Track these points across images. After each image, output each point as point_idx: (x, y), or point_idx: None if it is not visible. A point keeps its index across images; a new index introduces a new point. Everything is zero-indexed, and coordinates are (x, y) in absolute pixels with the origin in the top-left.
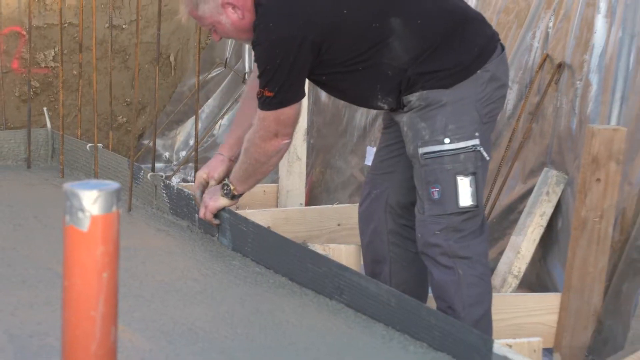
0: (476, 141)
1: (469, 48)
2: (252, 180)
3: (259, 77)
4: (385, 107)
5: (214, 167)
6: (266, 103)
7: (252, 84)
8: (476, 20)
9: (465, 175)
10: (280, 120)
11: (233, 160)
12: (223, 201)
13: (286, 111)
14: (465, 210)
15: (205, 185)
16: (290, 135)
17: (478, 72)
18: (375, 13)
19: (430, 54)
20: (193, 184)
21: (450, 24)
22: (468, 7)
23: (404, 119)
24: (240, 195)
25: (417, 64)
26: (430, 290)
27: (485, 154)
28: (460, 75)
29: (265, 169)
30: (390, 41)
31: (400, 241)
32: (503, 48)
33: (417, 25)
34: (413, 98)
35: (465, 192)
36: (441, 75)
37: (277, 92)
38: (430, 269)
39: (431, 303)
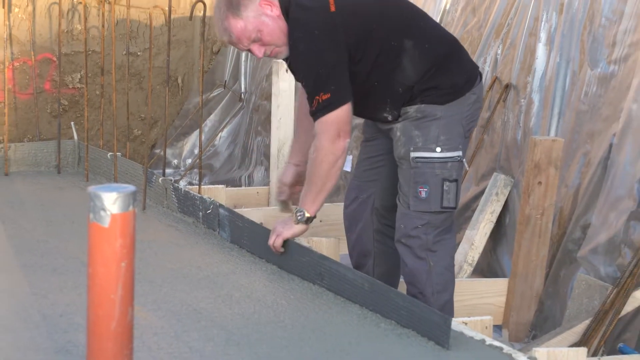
0: (460, 152)
1: (461, 72)
2: (322, 196)
3: (311, 85)
4: (390, 118)
5: (283, 174)
6: (324, 107)
7: (303, 99)
8: (463, 48)
9: (450, 181)
10: (341, 119)
11: (298, 165)
12: (298, 228)
13: (344, 109)
14: (445, 210)
15: (284, 192)
16: (350, 133)
17: (467, 93)
18: (394, 33)
19: (432, 74)
20: (198, 186)
21: (448, 49)
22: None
23: (397, 125)
24: (314, 217)
25: (421, 82)
26: (402, 276)
27: (465, 165)
28: (454, 95)
29: (333, 175)
30: (403, 60)
31: (383, 239)
32: (482, 76)
33: (424, 48)
34: (411, 109)
35: (448, 195)
36: (439, 93)
37: (333, 93)
38: (405, 257)
39: (402, 288)
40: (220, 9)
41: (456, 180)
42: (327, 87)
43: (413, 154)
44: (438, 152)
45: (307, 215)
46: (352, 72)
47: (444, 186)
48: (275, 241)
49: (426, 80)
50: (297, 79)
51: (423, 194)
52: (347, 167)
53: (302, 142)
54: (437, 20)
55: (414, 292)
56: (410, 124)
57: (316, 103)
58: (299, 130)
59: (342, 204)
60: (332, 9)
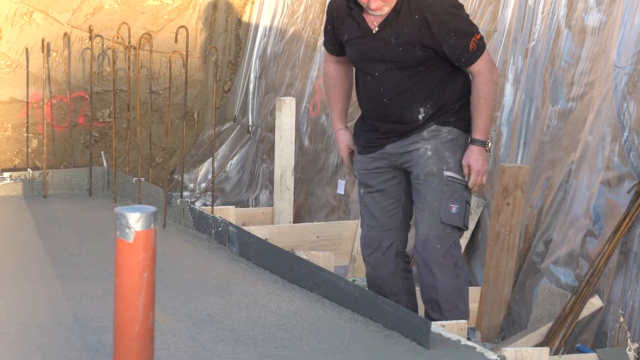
0: None
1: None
2: (490, 121)
3: (467, 28)
4: (420, 119)
5: (348, 139)
6: (482, 45)
7: (331, 70)
8: None
9: (469, 204)
10: (489, 52)
11: (348, 128)
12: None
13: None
14: (464, 229)
15: (351, 154)
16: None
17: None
18: None
19: (465, 102)
20: (211, 207)
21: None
22: None
23: (428, 146)
24: None
25: (461, 102)
26: (427, 293)
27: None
28: (470, 128)
29: (495, 98)
30: (461, 74)
31: (407, 275)
32: None
33: (466, 75)
34: (444, 130)
35: (468, 215)
36: (466, 122)
37: (479, 32)
38: (442, 276)
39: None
40: None
41: (469, 204)
42: (475, 28)
43: (446, 173)
44: (463, 177)
45: (489, 143)
46: (429, 56)
47: (467, 207)
48: (483, 179)
49: (463, 104)
50: (442, 39)
51: (454, 210)
52: (341, 190)
53: (343, 107)
54: None
55: (449, 308)
56: (442, 145)
57: (474, 44)
58: (337, 97)
59: (338, 222)
60: None
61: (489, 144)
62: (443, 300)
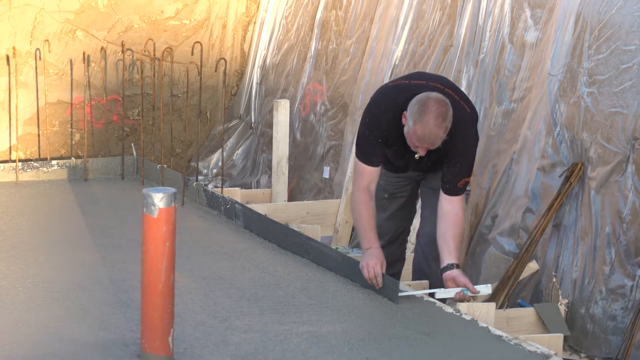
0: None
1: None
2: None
3: (469, 169)
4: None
5: (380, 256)
6: (465, 186)
7: (363, 196)
8: None
9: None
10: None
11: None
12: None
13: None
14: None
15: (381, 269)
16: None
17: None
18: None
19: None
20: (221, 188)
21: None
22: None
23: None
24: None
25: None
26: (414, 276)
27: None
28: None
29: None
30: None
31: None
32: None
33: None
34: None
35: None
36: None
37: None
38: (434, 268)
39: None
40: (446, 120)
41: None
42: (471, 171)
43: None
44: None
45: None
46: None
47: None
48: (474, 297)
49: None
50: (450, 163)
51: None
52: (326, 175)
53: (374, 224)
54: (389, 72)
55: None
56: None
57: (463, 183)
58: (371, 213)
59: (324, 201)
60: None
61: None
62: (430, 286)
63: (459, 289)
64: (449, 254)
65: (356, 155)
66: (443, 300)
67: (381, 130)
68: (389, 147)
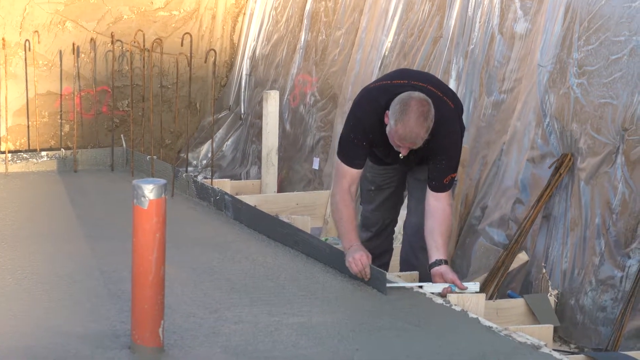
0: None
1: None
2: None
3: (455, 164)
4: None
5: (365, 255)
6: (452, 182)
7: (348, 197)
8: None
9: None
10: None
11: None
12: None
13: None
14: None
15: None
16: None
17: None
18: None
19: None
20: (211, 179)
21: None
22: None
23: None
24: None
25: None
26: (402, 267)
27: None
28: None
29: None
30: None
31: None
32: None
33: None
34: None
35: None
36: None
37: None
38: (422, 259)
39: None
40: (427, 119)
41: None
42: (457, 166)
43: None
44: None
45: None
46: None
47: None
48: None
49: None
50: (435, 160)
51: None
52: (316, 166)
53: (355, 224)
54: (379, 64)
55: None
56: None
57: (449, 179)
58: (352, 214)
59: (313, 192)
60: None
61: None
62: (420, 276)
63: (446, 285)
64: (437, 250)
65: (338, 156)
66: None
67: (365, 132)
68: (375, 148)
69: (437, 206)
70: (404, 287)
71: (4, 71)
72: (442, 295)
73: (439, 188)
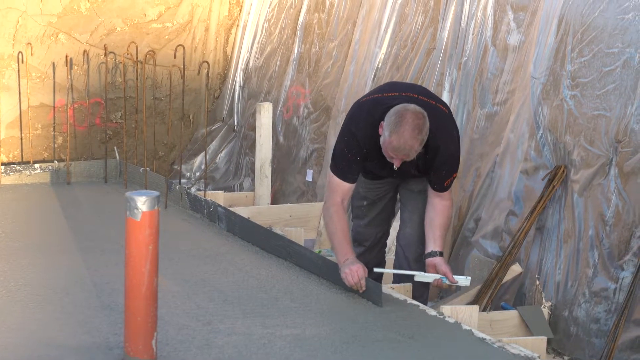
0: None
1: None
2: None
3: (456, 167)
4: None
5: (362, 269)
6: (452, 182)
7: (338, 210)
8: None
9: None
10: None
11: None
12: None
13: None
14: None
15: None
16: None
17: None
18: None
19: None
20: (204, 191)
21: None
22: None
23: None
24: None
25: None
26: (395, 279)
27: None
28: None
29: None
30: None
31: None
32: None
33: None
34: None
35: None
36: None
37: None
38: (416, 270)
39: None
40: (422, 132)
41: None
42: (458, 167)
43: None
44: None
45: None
46: None
47: None
48: (451, 286)
49: None
50: (437, 170)
51: None
52: (309, 178)
53: (349, 237)
54: (372, 75)
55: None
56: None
57: (450, 180)
58: (346, 227)
59: (307, 204)
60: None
61: None
62: (413, 288)
63: (438, 276)
64: (434, 242)
65: (332, 170)
66: (422, 283)
67: (360, 147)
68: (369, 162)
69: (439, 201)
70: (397, 300)
71: None
72: (434, 285)
73: (440, 189)
